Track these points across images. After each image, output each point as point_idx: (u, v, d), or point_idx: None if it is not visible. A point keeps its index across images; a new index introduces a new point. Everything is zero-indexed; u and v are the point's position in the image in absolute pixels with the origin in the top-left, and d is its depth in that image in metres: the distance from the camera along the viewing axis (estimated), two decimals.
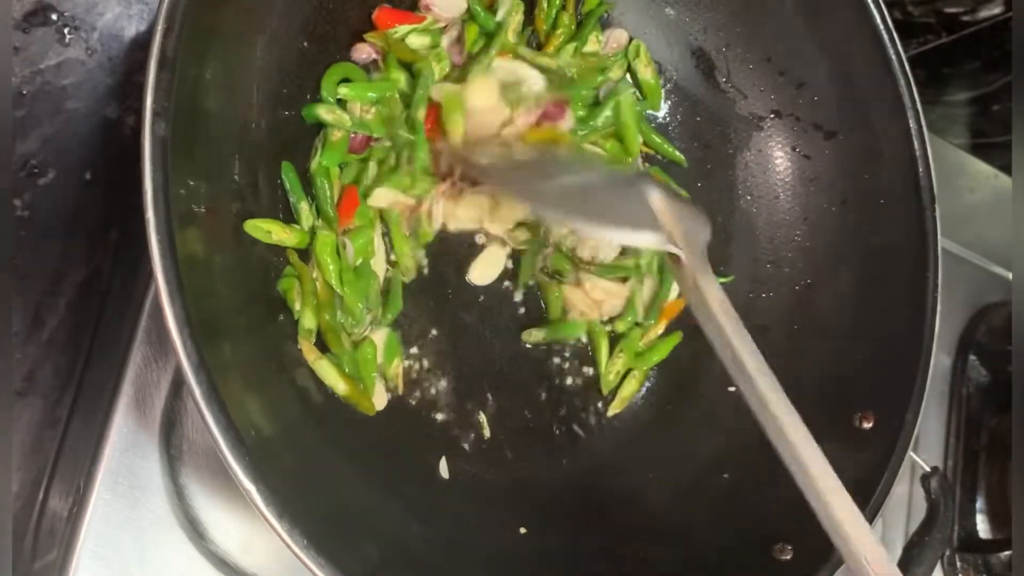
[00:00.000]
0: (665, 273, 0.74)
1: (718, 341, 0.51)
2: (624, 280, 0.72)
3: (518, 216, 0.68)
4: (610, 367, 0.72)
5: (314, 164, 0.62)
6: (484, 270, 0.70)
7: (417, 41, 0.67)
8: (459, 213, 0.67)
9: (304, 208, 0.61)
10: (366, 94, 0.63)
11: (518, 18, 0.71)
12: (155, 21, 0.44)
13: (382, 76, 0.66)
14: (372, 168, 0.65)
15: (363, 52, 0.66)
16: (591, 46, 0.74)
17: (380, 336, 0.64)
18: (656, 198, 0.55)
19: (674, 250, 0.53)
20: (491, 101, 0.66)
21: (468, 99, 0.65)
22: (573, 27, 0.73)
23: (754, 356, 0.49)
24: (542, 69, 0.70)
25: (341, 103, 0.63)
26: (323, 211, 0.61)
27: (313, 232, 0.61)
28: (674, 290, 0.74)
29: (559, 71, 0.71)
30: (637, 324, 0.73)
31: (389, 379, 0.64)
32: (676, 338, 0.74)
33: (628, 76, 0.76)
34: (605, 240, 0.54)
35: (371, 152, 0.65)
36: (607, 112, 0.73)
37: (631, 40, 0.76)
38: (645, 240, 0.54)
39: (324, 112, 0.62)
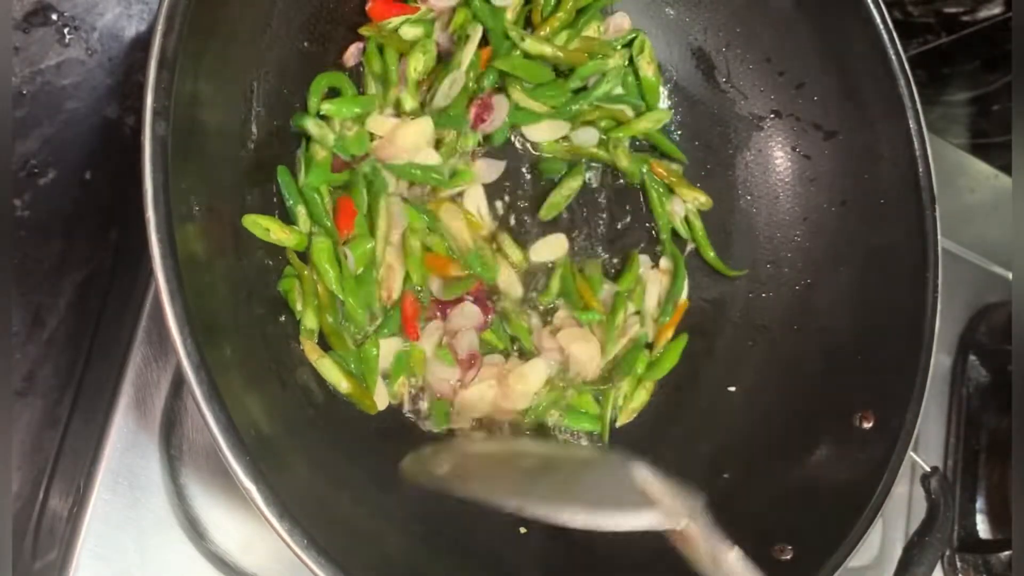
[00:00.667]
0: (679, 269, 0.74)
1: None
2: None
3: (531, 391, 0.67)
4: (621, 400, 0.71)
5: (301, 180, 0.61)
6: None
7: (410, 32, 0.66)
8: (472, 399, 0.66)
9: (301, 212, 0.60)
10: (351, 110, 0.62)
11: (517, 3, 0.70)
12: (155, 21, 0.44)
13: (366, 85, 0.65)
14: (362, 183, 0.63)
15: (351, 57, 0.65)
16: (590, 33, 0.73)
17: (390, 346, 0.63)
18: (643, 475, 0.53)
19: (679, 525, 0.50)
20: (425, 143, 0.65)
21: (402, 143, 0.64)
22: (573, 15, 0.72)
23: None
24: (531, 56, 0.69)
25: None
26: (319, 222, 0.61)
27: (311, 236, 0.60)
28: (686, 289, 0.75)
29: (551, 57, 0.70)
30: (647, 346, 0.73)
31: (392, 396, 0.64)
32: (683, 341, 0.74)
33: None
34: (604, 529, 0.52)
35: (355, 172, 0.63)
36: (610, 85, 0.72)
37: (636, 36, 0.75)
38: (647, 521, 0.50)
39: (311, 125, 0.61)
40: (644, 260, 0.75)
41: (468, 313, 0.66)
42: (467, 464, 0.59)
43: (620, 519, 0.51)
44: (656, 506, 0.51)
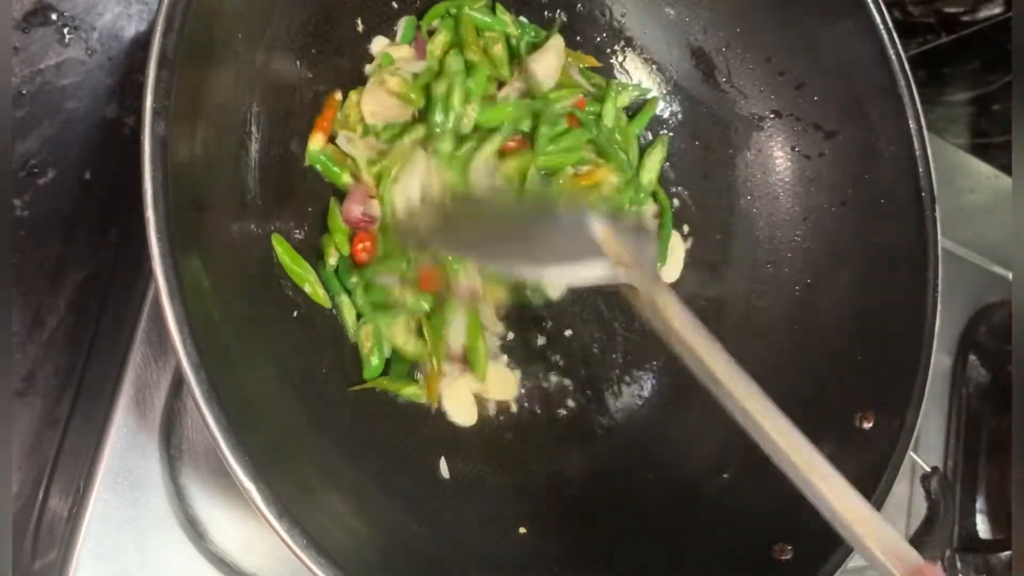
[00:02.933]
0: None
1: (688, 358, 0.49)
2: None
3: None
4: None
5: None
6: None
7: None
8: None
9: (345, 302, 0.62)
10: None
11: None
12: (155, 21, 0.44)
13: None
14: None
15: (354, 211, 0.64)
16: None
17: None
18: (598, 227, 0.53)
19: (625, 279, 0.52)
20: None
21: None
22: None
23: (727, 365, 0.48)
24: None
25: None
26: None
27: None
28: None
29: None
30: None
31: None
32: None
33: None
34: (554, 282, 0.52)
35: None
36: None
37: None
38: (593, 273, 0.52)
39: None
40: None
41: None
42: (439, 221, 0.61)
43: (569, 271, 0.52)
44: (606, 259, 0.51)
